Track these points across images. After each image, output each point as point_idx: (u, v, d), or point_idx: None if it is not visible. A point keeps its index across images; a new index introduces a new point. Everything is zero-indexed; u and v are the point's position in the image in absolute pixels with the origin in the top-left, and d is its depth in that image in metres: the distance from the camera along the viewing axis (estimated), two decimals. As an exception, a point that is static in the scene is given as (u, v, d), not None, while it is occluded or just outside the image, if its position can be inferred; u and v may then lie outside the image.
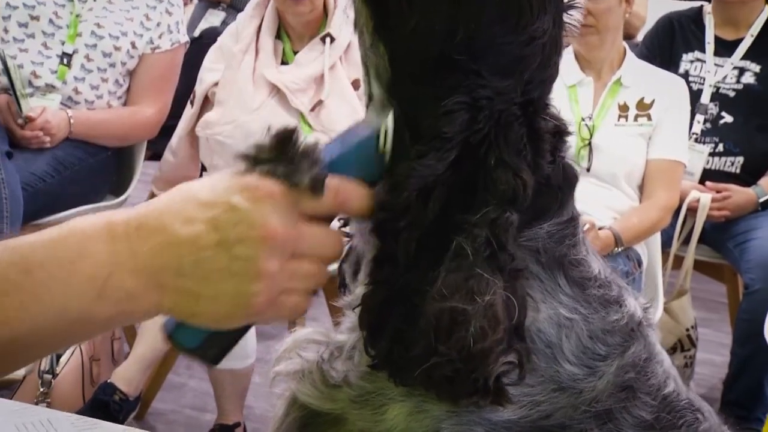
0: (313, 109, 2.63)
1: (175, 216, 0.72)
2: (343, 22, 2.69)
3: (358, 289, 0.85)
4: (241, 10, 3.92)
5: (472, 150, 0.74)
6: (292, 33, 2.73)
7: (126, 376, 2.52)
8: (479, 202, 0.74)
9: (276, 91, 2.65)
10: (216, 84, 2.69)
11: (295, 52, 2.71)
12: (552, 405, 0.79)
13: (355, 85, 2.68)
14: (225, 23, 3.90)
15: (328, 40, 2.66)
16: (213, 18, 3.90)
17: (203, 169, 2.85)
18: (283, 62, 2.71)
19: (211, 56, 2.78)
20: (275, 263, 0.72)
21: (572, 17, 0.81)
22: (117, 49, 2.82)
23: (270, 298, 0.73)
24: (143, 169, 3.10)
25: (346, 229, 0.90)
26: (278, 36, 2.73)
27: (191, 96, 2.80)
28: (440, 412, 0.78)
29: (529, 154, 0.75)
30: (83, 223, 0.72)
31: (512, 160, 0.74)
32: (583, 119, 2.51)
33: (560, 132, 0.81)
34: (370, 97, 0.83)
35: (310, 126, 2.63)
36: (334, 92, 2.64)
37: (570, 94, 2.54)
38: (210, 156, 2.70)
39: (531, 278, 0.79)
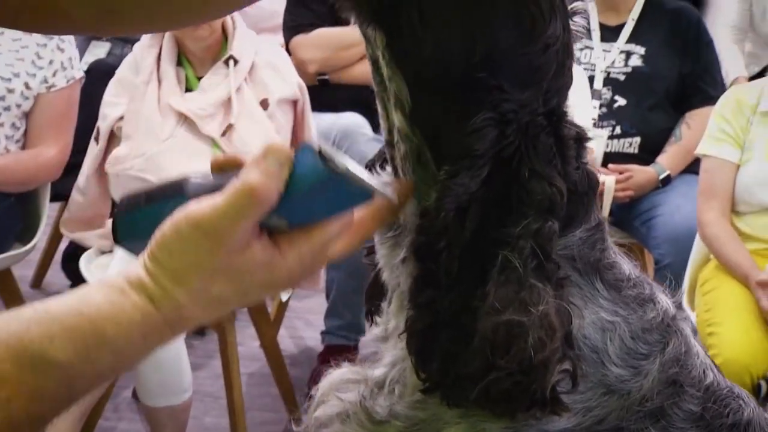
0: (224, 134, 2.60)
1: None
2: (244, 43, 2.68)
3: (391, 322, 0.86)
4: (125, 40, 3.85)
5: (503, 164, 0.75)
6: (193, 59, 2.70)
7: (61, 429, 2.44)
8: (516, 214, 0.74)
9: (184, 119, 2.61)
10: (121, 118, 2.63)
11: (199, 78, 2.68)
12: (604, 409, 0.80)
13: (264, 105, 2.67)
14: (111, 54, 3.79)
15: (231, 62, 2.65)
16: (97, 50, 3.78)
17: (114, 205, 2.78)
18: (188, 89, 2.67)
19: (111, 90, 2.71)
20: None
21: (577, 23, 0.82)
22: (10, 91, 2.71)
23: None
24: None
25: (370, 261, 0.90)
26: (179, 63, 2.69)
27: (95, 132, 2.73)
28: (498, 429, 0.78)
29: (558, 163, 0.77)
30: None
31: (544, 169, 0.75)
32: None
33: (581, 138, 0.83)
34: (390, 132, 0.83)
35: (223, 151, 2.60)
36: (243, 115, 2.62)
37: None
38: (121, 191, 2.64)
39: (571, 285, 0.79)
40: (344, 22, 3.30)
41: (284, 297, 2.68)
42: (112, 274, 2.28)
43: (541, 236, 0.74)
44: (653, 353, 0.83)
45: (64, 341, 0.69)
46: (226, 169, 0.80)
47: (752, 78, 3.78)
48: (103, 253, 2.76)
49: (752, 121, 2.47)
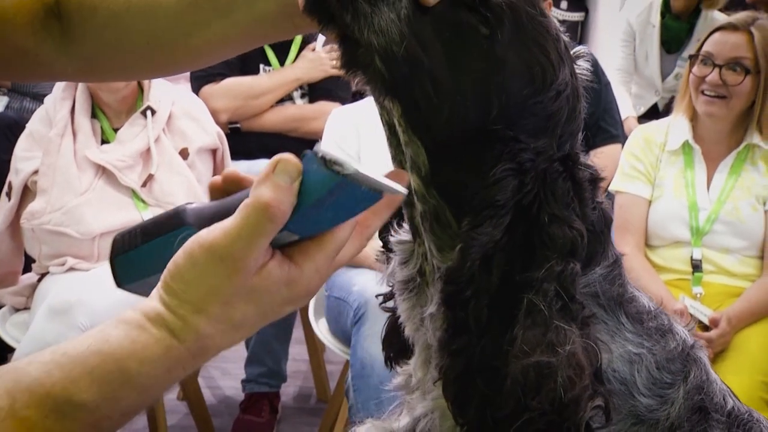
0: (144, 185, 2.59)
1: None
2: (161, 93, 2.67)
3: (417, 374, 0.87)
4: (24, 93, 3.76)
5: (523, 211, 0.78)
6: (108, 110, 2.67)
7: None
8: (539, 258, 0.77)
9: (102, 171, 2.58)
10: (35, 172, 2.57)
11: (115, 130, 2.65)
12: None
13: (183, 154, 2.66)
14: (10, 107, 3.71)
15: (148, 113, 2.64)
16: (-5, 104, 3.69)
17: (29, 259, 2.71)
18: (104, 141, 2.64)
19: (23, 145, 2.65)
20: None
21: (581, 66, 0.86)
22: None
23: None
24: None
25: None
26: (94, 115, 2.66)
27: (6, 188, 2.65)
28: None
29: (576, 206, 0.80)
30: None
31: (563, 213, 0.78)
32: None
33: (596, 179, 0.85)
34: (408, 193, 0.83)
35: (144, 202, 2.58)
36: (162, 165, 2.61)
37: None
38: (38, 246, 2.57)
39: (597, 322, 0.82)
40: (253, 72, 3.34)
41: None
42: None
43: (565, 278, 0.76)
44: (677, 382, 0.86)
45: (88, 383, 0.68)
46: (227, 189, 0.80)
47: (641, 118, 4.01)
48: (17, 310, 2.67)
49: (661, 159, 2.63)
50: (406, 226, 0.91)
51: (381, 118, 0.86)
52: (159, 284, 0.74)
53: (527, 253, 0.77)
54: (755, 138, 2.53)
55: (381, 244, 0.96)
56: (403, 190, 0.76)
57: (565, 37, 0.85)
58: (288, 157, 0.73)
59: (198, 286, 0.71)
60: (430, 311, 0.84)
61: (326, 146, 2.69)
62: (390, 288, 0.96)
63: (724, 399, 0.91)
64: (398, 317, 0.92)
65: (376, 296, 1.00)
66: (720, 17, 3.95)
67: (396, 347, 0.97)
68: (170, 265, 0.72)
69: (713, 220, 2.53)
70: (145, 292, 0.80)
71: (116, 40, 1.02)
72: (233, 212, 0.73)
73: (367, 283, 2.41)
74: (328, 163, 0.72)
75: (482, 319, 0.77)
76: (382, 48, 0.78)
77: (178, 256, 0.73)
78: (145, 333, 0.71)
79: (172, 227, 0.79)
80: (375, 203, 0.74)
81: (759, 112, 2.49)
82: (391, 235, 0.92)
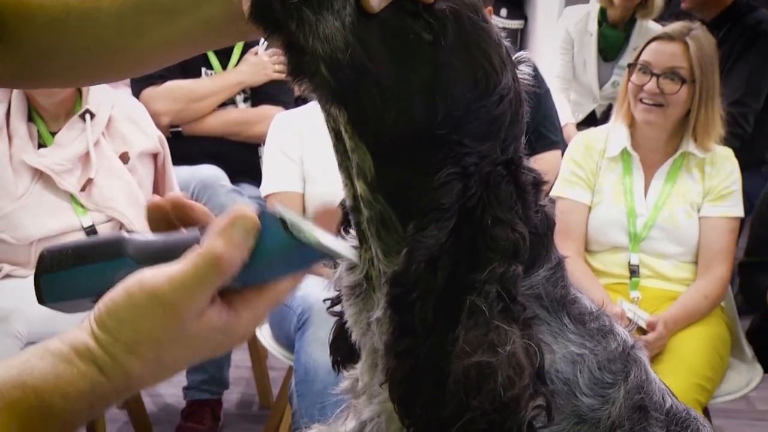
0: (83, 189, 2.54)
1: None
2: (100, 97, 2.63)
3: (364, 378, 0.88)
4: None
5: (467, 214, 0.79)
6: (45, 114, 2.62)
7: None
8: (482, 260, 0.78)
9: (39, 175, 2.53)
10: (-31, 177, 2.51)
11: (53, 133, 2.60)
12: None
13: (123, 158, 2.62)
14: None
15: (87, 116, 2.59)
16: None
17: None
18: (41, 145, 2.59)
19: (-44, 148, 2.59)
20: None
21: (523, 71, 0.88)
22: None
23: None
24: None
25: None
26: (30, 119, 2.61)
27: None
28: None
29: (519, 209, 0.81)
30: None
31: (506, 216, 0.79)
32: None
33: (539, 183, 0.87)
34: (354, 199, 0.86)
35: (83, 206, 2.54)
36: (102, 169, 2.57)
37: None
38: (-28, 254, 2.51)
39: (540, 323, 0.83)
40: (195, 75, 3.31)
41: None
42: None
43: (507, 279, 0.77)
44: (618, 382, 0.88)
45: (7, 417, 0.66)
46: (172, 214, 0.79)
47: (579, 124, 4.08)
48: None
49: (601, 165, 2.67)
50: (353, 231, 0.91)
51: (327, 125, 0.86)
52: (91, 316, 0.71)
53: (472, 255, 0.79)
54: (690, 146, 2.59)
55: None
56: (356, 260, 0.79)
57: (506, 43, 0.86)
58: (247, 213, 0.73)
59: (134, 327, 0.70)
60: (376, 316, 0.85)
61: (269, 152, 2.68)
62: (337, 293, 0.96)
63: (663, 398, 0.92)
64: (345, 322, 0.93)
65: (324, 301, 1.00)
66: (654, 27, 4.06)
67: (343, 351, 0.97)
68: (107, 300, 0.71)
69: (650, 226, 2.59)
70: (67, 311, 0.79)
71: (55, 46, 1.00)
72: (178, 253, 0.72)
73: (310, 289, 2.40)
74: (288, 227, 0.73)
75: (428, 321, 0.78)
76: (327, 55, 0.78)
77: (117, 293, 0.71)
78: (71, 367, 0.69)
79: (109, 255, 0.77)
80: (322, 262, 0.76)
81: (694, 121, 2.55)
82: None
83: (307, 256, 0.75)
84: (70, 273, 0.78)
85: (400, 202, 0.83)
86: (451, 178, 0.79)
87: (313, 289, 2.36)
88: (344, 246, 0.79)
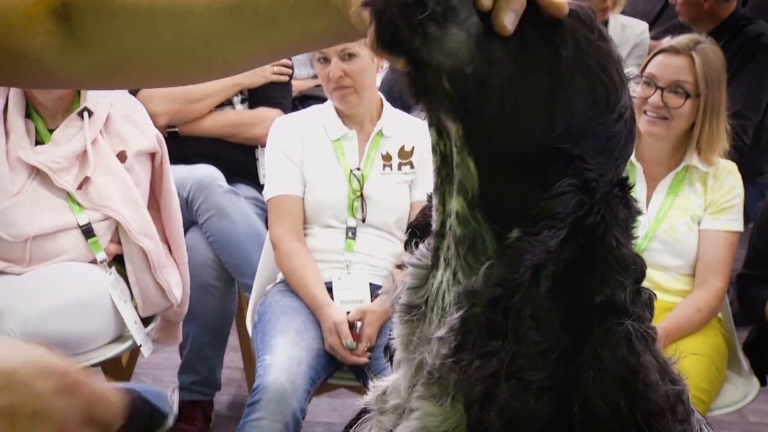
0: (80, 187, 2.52)
1: None
2: (98, 95, 2.61)
3: (396, 399, 0.89)
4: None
5: (581, 230, 0.78)
6: (43, 111, 2.59)
7: None
8: (607, 281, 0.78)
9: (36, 172, 2.50)
10: (-35, 173, 2.49)
11: (50, 130, 2.58)
12: None
13: (121, 157, 2.60)
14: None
15: (85, 114, 2.57)
16: None
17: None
18: (38, 142, 2.56)
19: (-48, 144, 2.56)
20: None
21: (633, 89, 0.87)
22: None
23: None
24: None
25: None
26: (28, 115, 2.58)
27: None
28: None
29: (629, 234, 0.82)
30: None
31: (626, 241, 0.80)
32: (352, 171, 2.62)
33: (639, 211, 0.86)
34: (442, 224, 0.85)
35: (79, 205, 2.51)
36: (99, 167, 2.55)
37: (336, 147, 2.65)
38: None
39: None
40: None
41: (146, 353, 2.60)
42: None
43: (646, 304, 0.80)
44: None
45: None
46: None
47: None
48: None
49: None
50: (422, 248, 0.91)
51: (433, 150, 0.86)
52: None
53: (589, 272, 0.78)
54: (694, 159, 2.59)
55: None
56: None
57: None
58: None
59: None
60: (438, 335, 0.84)
61: (271, 155, 2.66)
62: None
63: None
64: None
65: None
66: (627, 20, 4.29)
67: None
68: None
69: (650, 238, 2.58)
70: None
71: (138, 47, 0.96)
72: None
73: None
74: None
75: (522, 328, 0.77)
76: (452, 69, 0.78)
77: None
78: None
79: None
80: None
81: (698, 135, 2.55)
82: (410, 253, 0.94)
83: None
84: None
85: (502, 216, 0.82)
86: (570, 189, 0.79)
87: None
88: None
